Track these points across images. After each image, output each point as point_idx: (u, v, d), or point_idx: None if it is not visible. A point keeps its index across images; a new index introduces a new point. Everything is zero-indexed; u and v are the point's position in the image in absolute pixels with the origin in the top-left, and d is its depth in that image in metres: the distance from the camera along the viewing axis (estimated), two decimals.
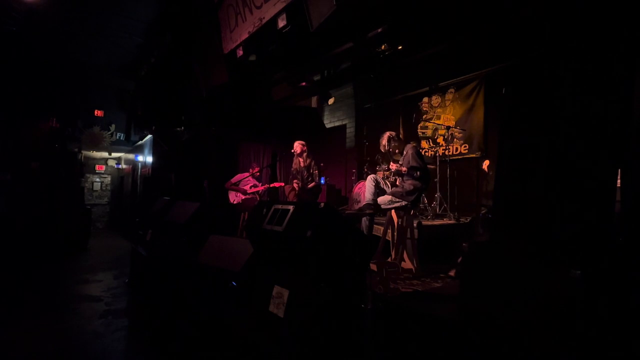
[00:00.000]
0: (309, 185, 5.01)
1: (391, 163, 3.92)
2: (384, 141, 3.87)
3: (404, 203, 3.56)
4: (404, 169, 3.67)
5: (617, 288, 1.45)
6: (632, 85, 1.68)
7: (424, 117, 6.24)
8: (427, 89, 6.10)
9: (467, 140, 5.56)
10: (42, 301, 3.96)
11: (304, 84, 5.52)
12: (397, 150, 3.85)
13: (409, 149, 3.69)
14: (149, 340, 2.94)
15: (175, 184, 7.55)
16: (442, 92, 5.95)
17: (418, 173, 3.55)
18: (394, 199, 3.60)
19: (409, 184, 3.55)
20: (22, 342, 2.88)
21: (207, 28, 5.12)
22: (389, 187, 3.85)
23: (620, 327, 1.39)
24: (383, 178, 4.10)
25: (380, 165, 5.01)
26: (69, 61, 8.60)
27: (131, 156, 11.03)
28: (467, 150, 5.56)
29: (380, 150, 4.06)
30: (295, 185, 5.00)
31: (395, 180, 3.97)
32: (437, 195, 5.01)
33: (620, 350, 1.38)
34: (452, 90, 5.80)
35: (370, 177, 3.84)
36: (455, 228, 4.34)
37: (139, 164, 10.14)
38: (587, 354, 1.39)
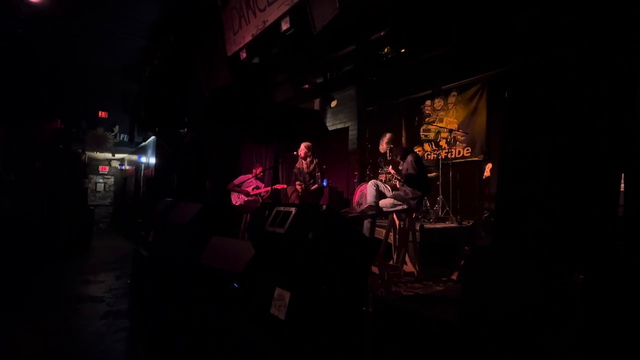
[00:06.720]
0: (312, 187, 5.00)
1: (390, 167, 3.93)
2: (384, 142, 3.90)
3: (405, 206, 3.56)
4: (396, 178, 3.75)
5: (619, 292, 1.45)
6: (635, 87, 1.67)
7: (426, 120, 6.23)
8: (429, 91, 6.08)
9: (469, 143, 5.55)
10: (44, 301, 3.98)
11: (306, 86, 5.52)
12: (397, 157, 3.87)
13: (409, 157, 3.70)
14: (150, 341, 2.94)
15: (177, 185, 7.57)
16: (445, 95, 5.94)
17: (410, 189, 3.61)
18: (395, 202, 3.60)
19: (409, 190, 3.56)
20: (24, 342, 2.89)
21: (211, 30, 5.14)
22: (389, 190, 3.86)
23: (621, 330, 1.38)
24: (384, 181, 4.09)
25: (382, 168, 5.01)
26: (73, 63, 8.66)
27: (134, 157, 11.07)
28: (469, 154, 5.54)
29: (381, 152, 4.08)
30: (297, 186, 5.00)
31: (396, 183, 3.97)
32: (440, 198, 5.00)
33: (621, 353, 1.37)
34: (455, 93, 5.79)
35: (371, 182, 3.86)
36: (458, 231, 4.32)
37: (142, 165, 10.16)
38: (588, 357, 1.38)
